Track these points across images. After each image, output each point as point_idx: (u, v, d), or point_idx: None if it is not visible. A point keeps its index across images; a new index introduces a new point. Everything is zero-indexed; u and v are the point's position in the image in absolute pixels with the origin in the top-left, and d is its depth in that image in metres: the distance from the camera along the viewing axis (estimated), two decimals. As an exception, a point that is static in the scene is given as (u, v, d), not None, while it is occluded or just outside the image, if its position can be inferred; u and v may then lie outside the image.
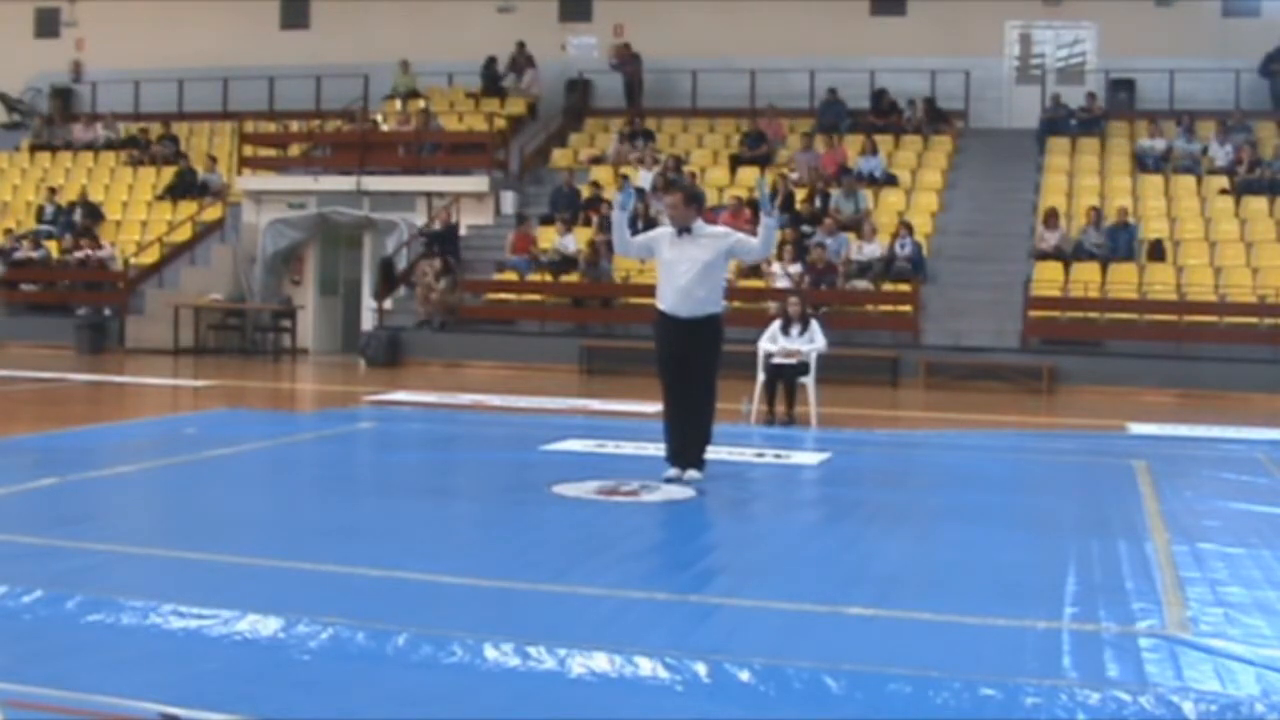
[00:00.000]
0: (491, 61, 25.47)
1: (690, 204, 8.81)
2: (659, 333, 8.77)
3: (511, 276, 20.40)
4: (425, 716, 4.23)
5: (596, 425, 12.15)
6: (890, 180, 21.65)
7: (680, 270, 8.61)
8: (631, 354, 18.28)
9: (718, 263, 8.72)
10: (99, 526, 7.06)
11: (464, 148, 23.24)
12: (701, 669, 4.54)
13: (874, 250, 19.25)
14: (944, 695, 4.36)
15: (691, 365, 8.65)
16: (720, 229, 9.32)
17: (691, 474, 8.65)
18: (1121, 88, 23.68)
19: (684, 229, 8.67)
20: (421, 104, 24.49)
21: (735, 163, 22.69)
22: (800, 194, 20.83)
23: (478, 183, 22.04)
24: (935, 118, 23.18)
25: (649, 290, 19.43)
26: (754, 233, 9.10)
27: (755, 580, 6.05)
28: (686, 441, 8.72)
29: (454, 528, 7.56)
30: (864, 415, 13.72)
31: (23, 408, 14.18)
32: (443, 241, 20.50)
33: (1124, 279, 18.74)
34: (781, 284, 18.43)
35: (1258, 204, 20.07)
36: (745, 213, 20.23)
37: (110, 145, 26.52)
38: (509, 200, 22.33)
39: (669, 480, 8.60)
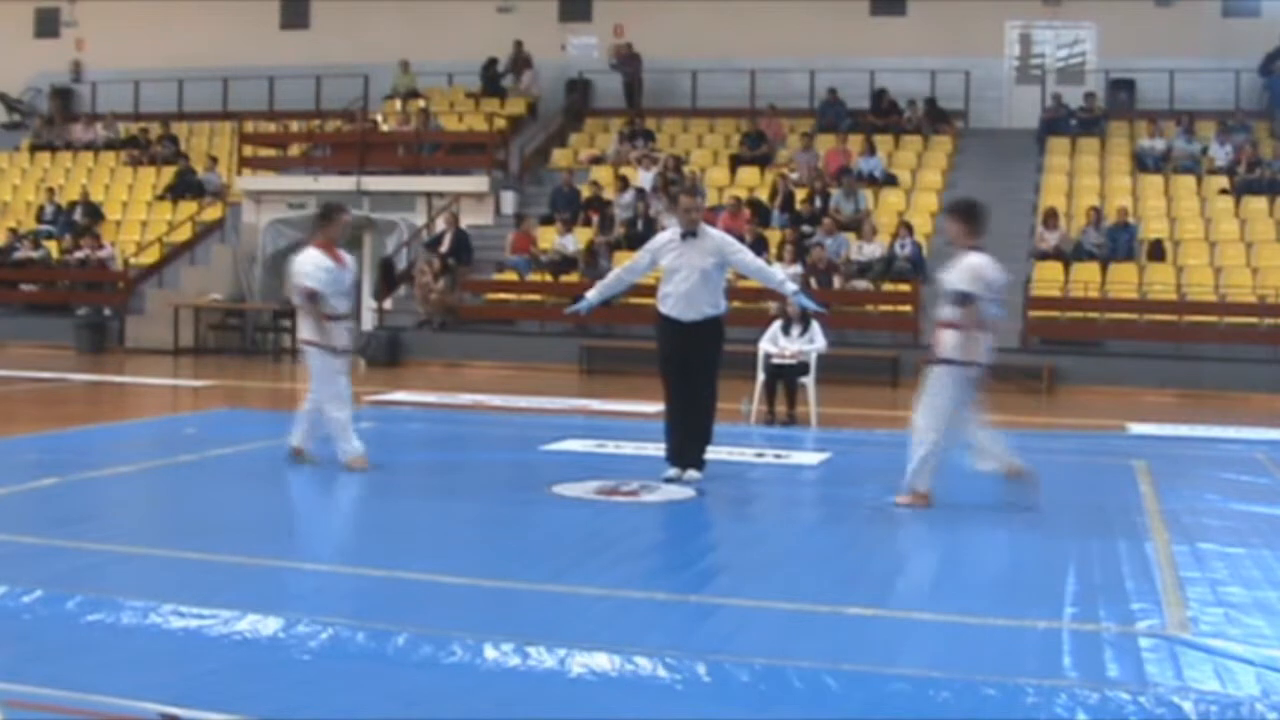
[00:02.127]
0: (492, 63, 25.47)
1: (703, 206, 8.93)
2: (661, 335, 8.84)
3: (511, 276, 20.39)
4: (425, 716, 4.23)
5: (596, 425, 12.14)
6: (890, 180, 21.65)
7: (681, 277, 8.69)
8: (631, 354, 18.26)
9: (719, 270, 8.80)
10: (99, 526, 7.05)
11: (464, 148, 23.24)
12: (701, 669, 4.54)
13: (874, 250, 19.25)
14: (944, 695, 4.37)
15: (692, 366, 8.71)
16: (726, 237, 9.28)
17: (691, 474, 8.67)
18: (1121, 88, 23.69)
19: (690, 233, 8.71)
20: (421, 104, 24.49)
21: (735, 163, 22.69)
22: (800, 194, 20.83)
23: (478, 183, 22.04)
24: (936, 117, 23.18)
25: (649, 290, 19.31)
26: (751, 240, 9.19)
27: (755, 580, 6.06)
28: (687, 441, 8.75)
29: (454, 528, 7.56)
30: (864, 415, 13.71)
31: (23, 408, 14.19)
32: (457, 244, 20.40)
33: (1124, 279, 18.74)
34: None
35: (1258, 204, 20.07)
36: (745, 213, 20.24)
37: (110, 145, 26.52)
38: (509, 200, 22.32)
39: (668, 480, 8.63)
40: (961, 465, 10.24)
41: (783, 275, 8.99)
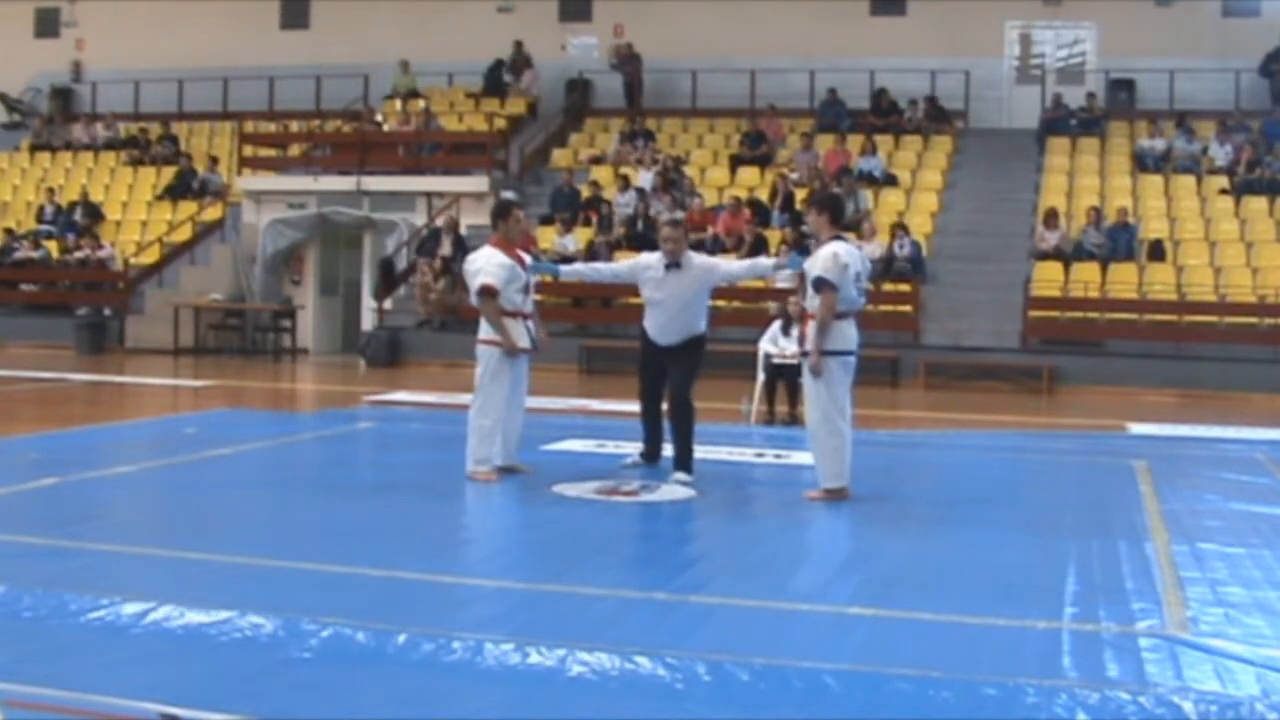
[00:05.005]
0: (498, 64, 25.45)
1: (688, 238, 9.11)
2: (642, 345, 9.16)
3: (511, 276, 20.36)
4: (425, 716, 4.23)
5: (596, 425, 12.15)
6: (890, 180, 21.65)
7: (661, 309, 8.91)
8: (631, 354, 18.12)
9: (702, 294, 8.95)
10: (99, 526, 7.05)
11: (464, 148, 23.24)
12: (701, 669, 4.54)
13: (874, 250, 19.22)
14: (944, 695, 4.36)
15: (670, 376, 8.98)
16: (707, 260, 9.30)
17: (679, 476, 8.78)
18: (1121, 88, 23.70)
19: (674, 263, 8.83)
20: (421, 104, 24.50)
21: (735, 163, 22.70)
22: (800, 194, 20.82)
23: (478, 183, 22.03)
24: (938, 117, 23.17)
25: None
26: (751, 240, 9.23)
27: (755, 580, 6.05)
28: (675, 446, 8.94)
29: (454, 527, 7.56)
30: (864, 415, 13.66)
31: (23, 408, 14.19)
32: (457, 249, 20.36)
33: (1124, 279, 18.74)
34: (782, 284, 18.41)
35: (1258, 204, 20.08)
36: (745, 213, 20.24)
37: (110, 145, 26.53)
38: (509, 200, 22.29)
39: (627, 465, 9.23)
40: (958, 466, 10.25)
41: (766, 260, 9.07)
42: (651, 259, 9.06)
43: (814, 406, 8.24)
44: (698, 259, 9.09)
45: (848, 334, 8.20)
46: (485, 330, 8.66)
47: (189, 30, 27.12)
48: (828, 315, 8.03)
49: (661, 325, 8.93)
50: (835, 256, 8.02)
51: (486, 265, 8.57)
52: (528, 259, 8.96)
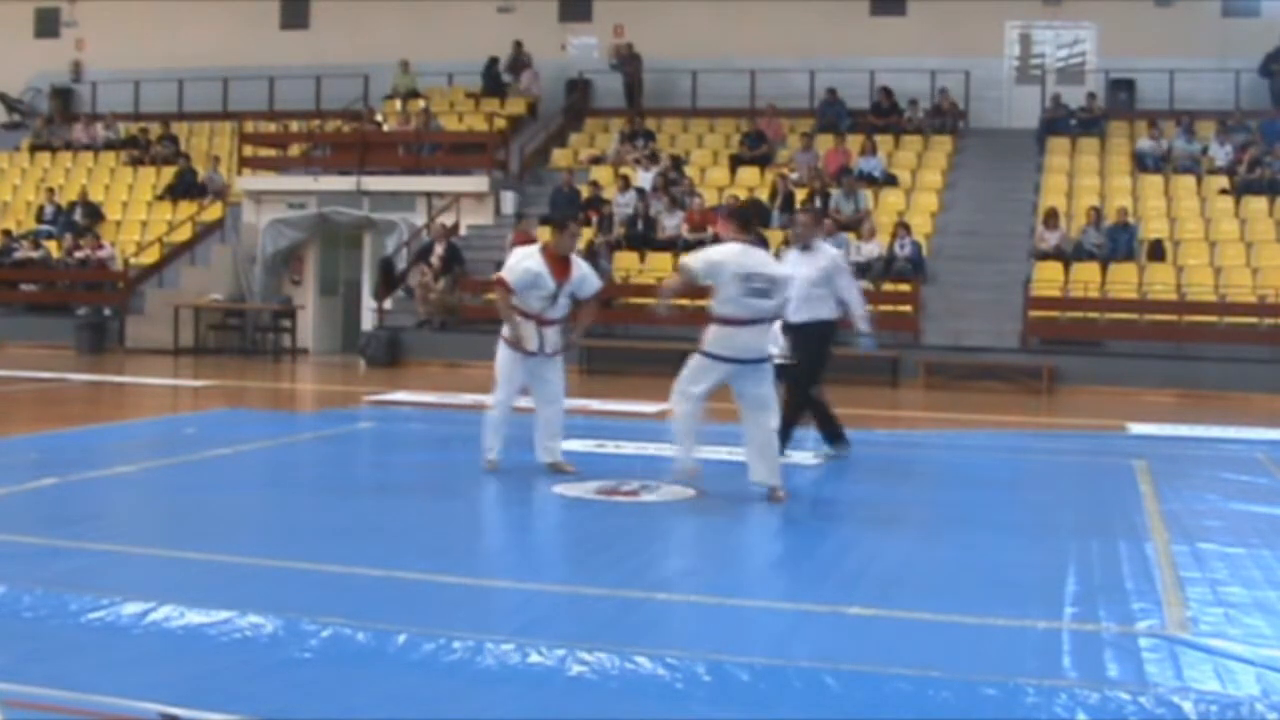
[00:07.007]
0: (494, 62, 25.47)
1: (820, 226, 10.04)
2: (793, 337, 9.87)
3: (511, 276, 20.32)
4: (425, 716, 4.23)
5: (596, 425, 12.14)
6: (890, 180, 21.65)
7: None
8: (631, 354, 18.29)
9: (828, 281, 9.65)
10: (99, 526, 7.06)
11: (464, 148, 23.23)
12: (701, 669, 4.54)
13: (874, 250, 19.25)
14: (944, 695, 4.36)
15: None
16: (840, 259, 10.07)
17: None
18: (1121, 88, 23.70)
19: (804, 246, 9.72)
20: (421, 104, 24.50)
21: (735, 163, 22.70)
22: (800, 194, 20.82)
23: (478, 183, 22.03)
24: (950, 115, 23.16)
25: (649, 290, 19.21)
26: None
27: (756, 580, 6.06)
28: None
29: (454, 528, 7.56)
30: (864, 415, 13.70)
31: (23, 408, 14.19)
32: (449, 256, 20.38)
33: (1124, 279, 18.74)
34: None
35: (1258, 204, 20.07)
36: (745, 213, 20.22)
37: (110, 145, 26.53)
38: (509, 200, 22.32)
39: (827, 456, 10.03)
40: (958, 466, 10.25)
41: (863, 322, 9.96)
42: (790, 251, 9.96)
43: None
44: (830, 250, 10.01)
45: (725, 340, 7.99)
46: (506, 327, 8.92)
47: (189, 30, 27.12)
48: (669, 289, 8.51)
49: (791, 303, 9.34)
50: (708, 254, 8.16)
51: (516, 265, 8.76)
52: (573, 272, 8.87)
